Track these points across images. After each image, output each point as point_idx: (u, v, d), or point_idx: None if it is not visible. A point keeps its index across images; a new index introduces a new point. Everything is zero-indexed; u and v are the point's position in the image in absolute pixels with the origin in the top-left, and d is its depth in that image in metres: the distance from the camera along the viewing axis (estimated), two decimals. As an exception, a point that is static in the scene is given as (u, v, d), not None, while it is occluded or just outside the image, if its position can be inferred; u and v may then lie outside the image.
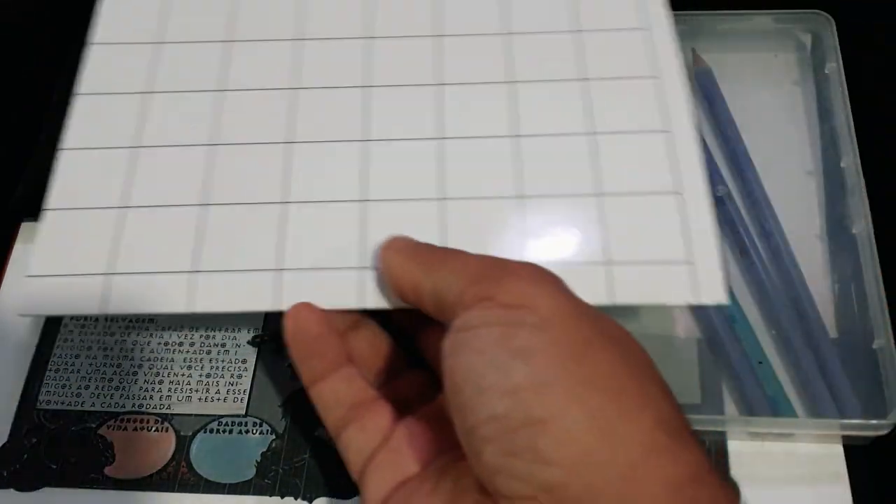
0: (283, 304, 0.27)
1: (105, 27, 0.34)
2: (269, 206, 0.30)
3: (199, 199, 0.30)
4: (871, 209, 0.33)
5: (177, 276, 0.28)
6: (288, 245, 0.29)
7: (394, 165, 0.30)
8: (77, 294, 0.28)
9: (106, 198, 0.30)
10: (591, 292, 0.26)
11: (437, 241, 0.28)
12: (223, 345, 0.33)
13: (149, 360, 0.33)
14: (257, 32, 0.34)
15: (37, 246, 0.29)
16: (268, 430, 0.31)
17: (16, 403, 0.32)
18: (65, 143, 0.31)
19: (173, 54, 0.33)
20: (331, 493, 0.30)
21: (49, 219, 0.29)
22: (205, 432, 0.31)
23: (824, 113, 0.37)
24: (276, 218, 0.29)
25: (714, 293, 0.27)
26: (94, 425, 0.31)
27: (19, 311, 0.28)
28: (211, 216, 0.29)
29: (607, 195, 0.29)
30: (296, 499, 0.30)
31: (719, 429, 0.31)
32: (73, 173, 0.30)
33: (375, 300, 0.28)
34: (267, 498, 0.30)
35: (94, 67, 0.33)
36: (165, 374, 0.32)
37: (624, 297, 0.28)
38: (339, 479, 0.30)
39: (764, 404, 0.31)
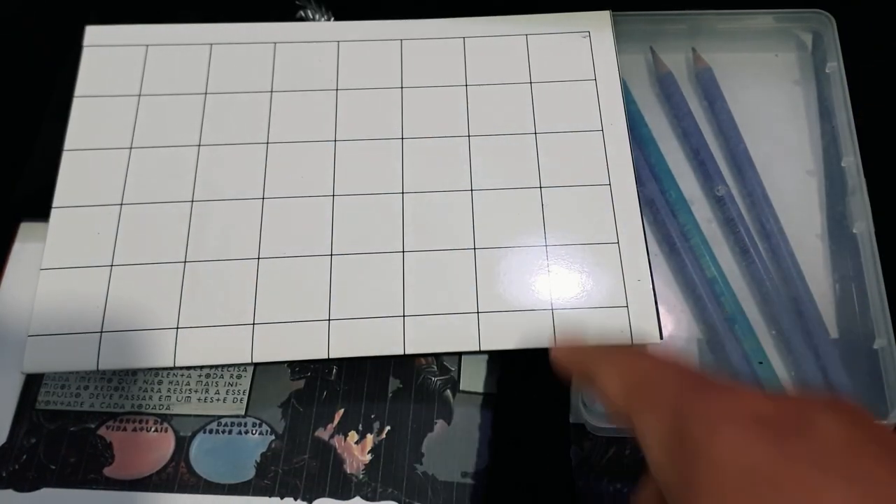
0: (256, 357, 0.30)
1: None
2: (248, 261, 0.32)
3: (183, 255, 0.32)
4: (872, 209, 0.33)
5: (165, 332, 0.31)
6: (260, 300, 0.31)
7: (360, 217, 0.33)
8: (74, 352, 0.30)
9: (98, 257, 0.32)
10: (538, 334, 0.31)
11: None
12: (222, 345, 0.33)
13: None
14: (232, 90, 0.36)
15: (35, 305, 0.31)
16: (267, 431, 0.31)
17: (15, 404, 0.32)
18: (56, 201, 0.33)
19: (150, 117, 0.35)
20: (331, 494, 0.30)
21: (43, 278, 0.31)
22: (204, 433, 0.31)
23: (825, 112, 0.37)
24: (254, 272, 0.32)
25: (650, 335, 0.31)
26: (93, 426, 0.31)
27: (22, 369, 0.30)
28: (193, 272, 0.32)
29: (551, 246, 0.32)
30: (295, 499, 0.30)
31: (719, 429, 0.31)
32: (65, 231, 0.32)
33: (341, 350, 0.30)
34: (266, 498, 0.30)
35: (77, 124, 0.35)
36: (164, 375, 0.32)
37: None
38: (339, 479, 0.30)
39: (764, 404, 0.31)
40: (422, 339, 0.30)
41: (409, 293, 0.31)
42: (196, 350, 0.30)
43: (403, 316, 0.31)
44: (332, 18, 0.37)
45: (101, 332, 0.30)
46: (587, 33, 0.36)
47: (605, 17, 0.36)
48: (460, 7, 0.37)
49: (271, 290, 0.31)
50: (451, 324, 0.31)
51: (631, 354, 0.22)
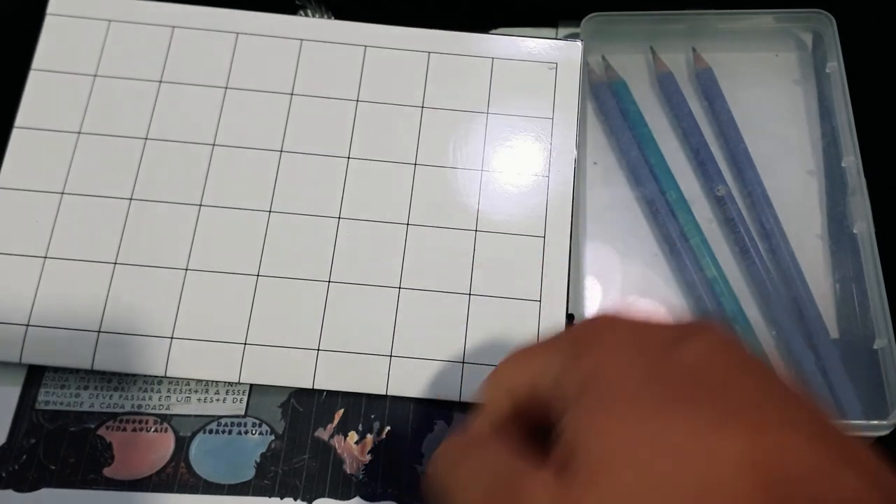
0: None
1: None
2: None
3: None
4: (872, 209, 0.33)
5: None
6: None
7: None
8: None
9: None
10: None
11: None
12: (222, 345, 0.33)
13: (148, 360, 0.33)
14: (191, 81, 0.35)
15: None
16: (267, 431, 0.31)
17: (15, 404, 0.32)
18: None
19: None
20: (330, 494, 0.30)
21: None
22: (204, 433, 0.31)
23: (825, 112, 0.37)
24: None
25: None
26: (92, 426, 0.31)
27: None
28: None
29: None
30: (295, 499, 0.30)
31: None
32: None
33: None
34: (266, 498, 0.30)
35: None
36: (163, 375, 0.32)
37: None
38: (339, 479, 0.30)
39: (764, 405, 0.31)
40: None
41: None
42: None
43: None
44: (332, 18, 0.37)
45: (28, 325, 0.31)
46: (554, 65, 0.35)
47: (576, 47, 0.35)
48: (460, 8, 0.37)
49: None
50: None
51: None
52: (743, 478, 0.16)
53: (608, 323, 0.20)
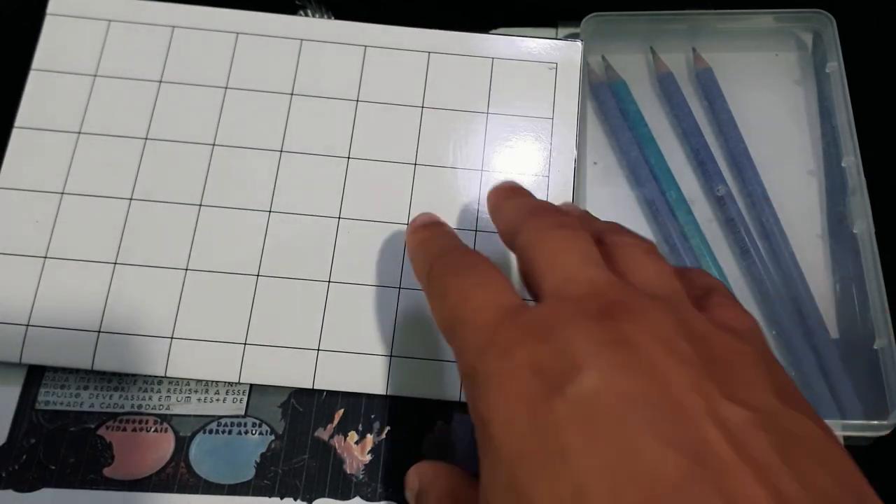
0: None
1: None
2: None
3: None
4: (872, 209, 0.33)
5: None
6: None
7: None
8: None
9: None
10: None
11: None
12: (222, 345, 0.33)
13: (148, 360, 0.33)
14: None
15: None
16: (267, 431, 0.31)
17: (15, 404, 0.32)
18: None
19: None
20: (330, 494, 0.30)
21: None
22: (204, 433, 0.31)
23: (825, 112, 0.37)
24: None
25: None
26: (92, 426, 0.31)
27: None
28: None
29: None
30: (295, 499, 0.30)
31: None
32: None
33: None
34: (266, 498, 0.30)
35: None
36: (164, 375, 0.32)
37: None
38: (339, 479, 0.30)
39: (764, 405, 0.31)
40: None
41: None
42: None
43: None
44: (332, 18, 0.37)
45: (28, 325, 0.31)
46: (554, 65, 0.35)
47: (576, 47, 0.35)
48: (460, 8, 0.37)
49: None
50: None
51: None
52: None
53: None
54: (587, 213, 0.28)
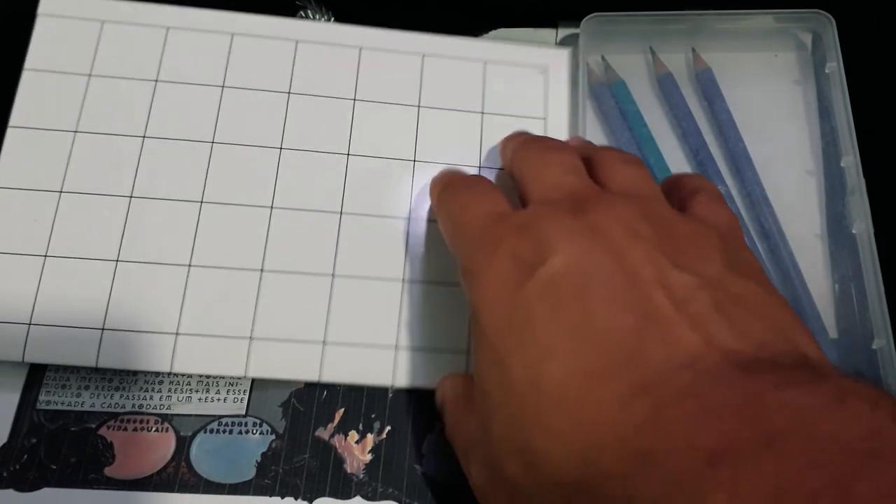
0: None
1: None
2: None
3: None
4: (872, 209, 0.33)
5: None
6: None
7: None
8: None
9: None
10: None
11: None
12: (223, 345, 0.33)
13: (148, 360, 0.33)
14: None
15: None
16: (268, 430, 0.31)
17: (16, 404, 0.32)
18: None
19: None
20: (331, 493, 0.30)
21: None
22: (205, 432, 0.31)
23: (825, 112, 0.37)
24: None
25: None
26: (93, 426, 0.31)
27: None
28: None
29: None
30: (296, 499, 0.30)
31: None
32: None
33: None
34: (267, 498, 0.30)
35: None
36: (165, 374, 0.32)
37: None
38: (339, 479, 0.30)
39: (764, 404, 0.31)
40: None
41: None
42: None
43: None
44: (332, 19, 0.37)
45: (30, 323, 0.31)
46: (544, 70, 0.36)
47: (563, 55, 0.36)
48: (460, 8, 0.37)
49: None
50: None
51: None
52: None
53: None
54: (588, 142, 0.31)
